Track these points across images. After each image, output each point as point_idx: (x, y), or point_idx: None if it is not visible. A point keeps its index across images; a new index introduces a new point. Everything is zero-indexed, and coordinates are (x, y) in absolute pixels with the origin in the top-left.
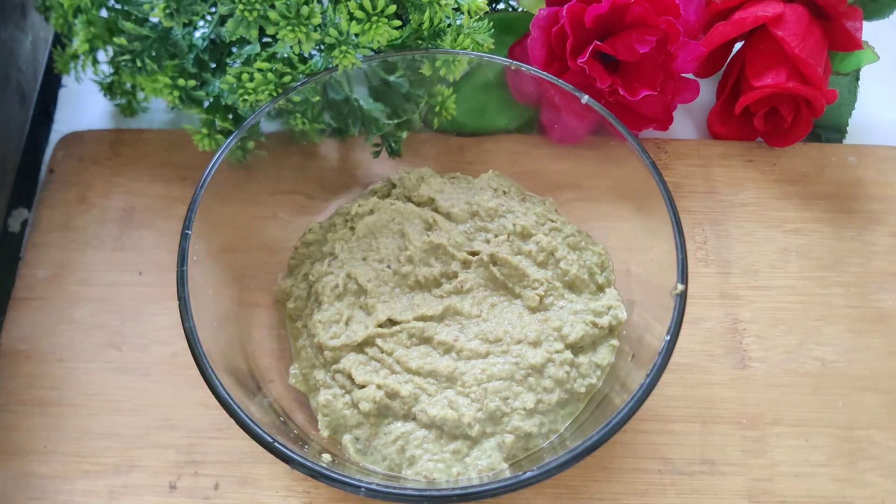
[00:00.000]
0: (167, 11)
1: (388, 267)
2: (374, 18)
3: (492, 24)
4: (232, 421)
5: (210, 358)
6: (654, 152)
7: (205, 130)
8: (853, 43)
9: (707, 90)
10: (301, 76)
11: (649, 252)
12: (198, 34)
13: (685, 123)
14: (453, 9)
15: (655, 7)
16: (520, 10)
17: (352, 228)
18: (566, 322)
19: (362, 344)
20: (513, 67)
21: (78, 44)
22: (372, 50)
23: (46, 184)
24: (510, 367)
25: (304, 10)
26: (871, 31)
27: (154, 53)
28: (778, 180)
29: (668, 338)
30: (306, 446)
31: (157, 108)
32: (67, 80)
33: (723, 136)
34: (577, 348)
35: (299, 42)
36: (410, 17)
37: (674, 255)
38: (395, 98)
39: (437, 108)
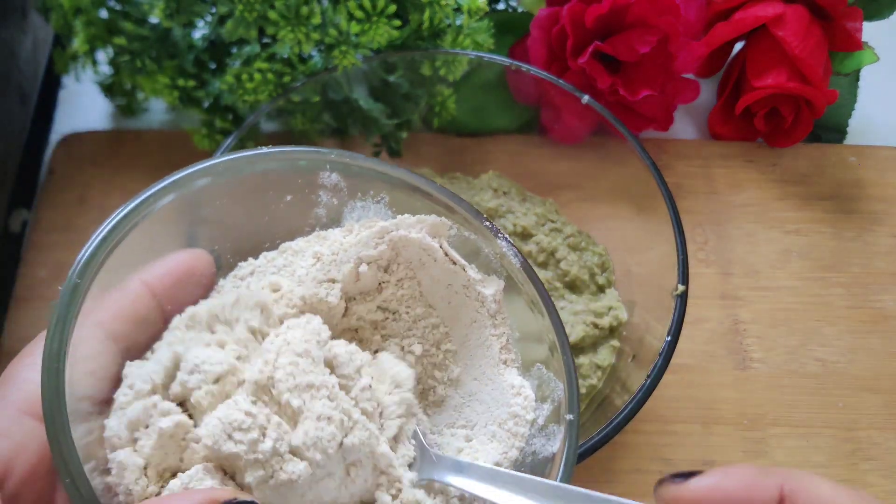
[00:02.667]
0: (167, 12)
1: None
2: (374, 18)
3: (492, 24)
4: None
5: None
6: (654, 152)
7: (204, 130)
8: (853, 43)
9: (707, 90)
10: (301, 76)
11: (650, 253)
12: (197, 34)
13: (686, 124)
14: (453, 9)
15: (655, 7)
16: (520, 10)
17: None
18: (566, 323)
19: None
20: (513, 67)
21: (78, 44)
22: (372, 50)
23: (46, 184)
24: None
25: (304, 10)
26: (871, 31)
27: (154, 54)
28: (778, 181)
29: (669, 338)
30: None
31: (157, 109)
32: (67, 81)
33: (723, 136)
34: (577, 349)
35: (299, 42)
36: (410, 17)
37: (674, 256)
38: (395, 98)
39: (437, 109)
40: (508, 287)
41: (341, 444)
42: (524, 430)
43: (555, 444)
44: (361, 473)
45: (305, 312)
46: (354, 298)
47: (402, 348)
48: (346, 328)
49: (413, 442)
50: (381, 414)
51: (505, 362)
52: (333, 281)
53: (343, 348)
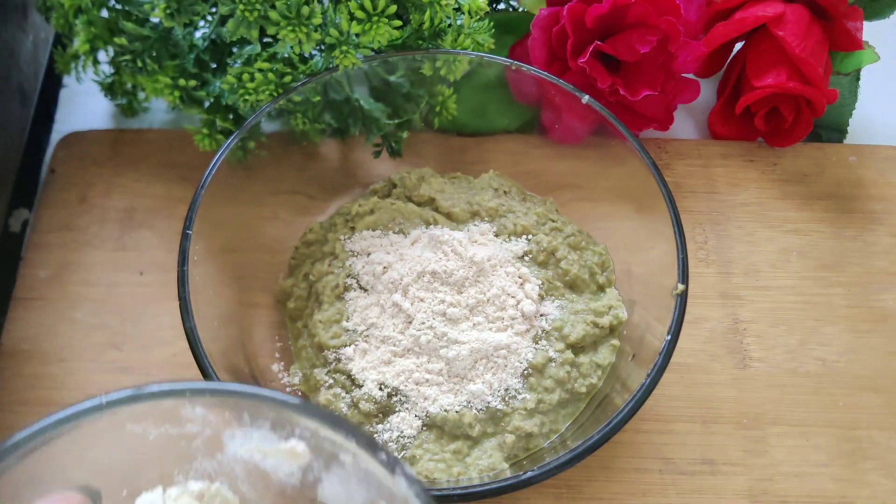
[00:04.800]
0: (168, 12)
1: None
2: (375, 18)
3: (492, 24)
4: None
5: (211, 358)
6: (654, 152)
7: (205, 130)
8: (854, 43)
9: (708, 90)
10: (302, 76)
11: (650, 252)
12: (198, 34)
13: (686, 123)
14: (454, 9)
15: (656, 7)
16: (520, 10)
17: (352, 228)
18: (567, 322)
19: None
20: (513, 67)
21: (79, 44)
22: (372, 50)
23: (47, 184)
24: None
25: (305, 10)
26: (872, 31)
27: (155, 53)
28: (778, 180)
29: (669, 338)
30: None
31: (158, 109)
32: (68, 81)
33: (723, 136)
34: (577, 348)
35: (300, 42)
36: (411, 17)
37: (674, 255)
38: (396, 98)
39: (437, 108)
40: None
41: None
42: None
43: None
44: None
45: None
46: None
47: None
48: None
49: None
50: None
51: None
52: None
53: None
